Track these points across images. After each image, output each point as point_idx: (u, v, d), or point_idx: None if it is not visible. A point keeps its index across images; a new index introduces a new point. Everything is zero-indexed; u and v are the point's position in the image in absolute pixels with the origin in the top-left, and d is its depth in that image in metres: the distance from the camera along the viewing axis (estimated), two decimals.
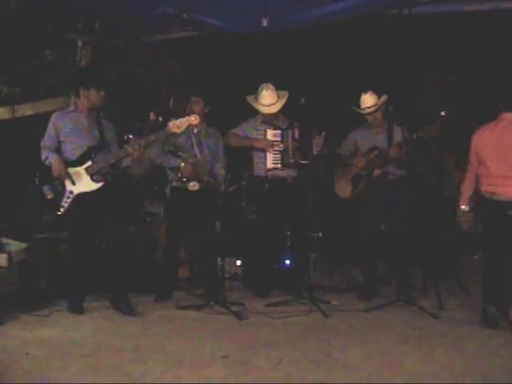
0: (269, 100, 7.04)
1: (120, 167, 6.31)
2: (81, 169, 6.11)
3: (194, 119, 6.13)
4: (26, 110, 7.60)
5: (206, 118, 6.91)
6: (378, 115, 6.89)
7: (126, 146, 6.16)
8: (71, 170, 6.10)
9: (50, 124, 6.22)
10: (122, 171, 6.41)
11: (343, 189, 7.08)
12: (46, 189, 6.13)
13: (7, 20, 6.01)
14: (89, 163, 6.10)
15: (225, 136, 7.19)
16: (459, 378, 4.43)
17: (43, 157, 6.13)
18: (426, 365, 4.70)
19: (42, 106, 7.73)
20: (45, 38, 7.22)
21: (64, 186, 6.10)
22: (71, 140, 6.17)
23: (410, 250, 6.69)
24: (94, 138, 6.20)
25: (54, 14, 6.99)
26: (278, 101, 7.07)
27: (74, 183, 6.09)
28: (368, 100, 6.92)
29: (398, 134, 6.61)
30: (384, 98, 6.86)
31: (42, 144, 6.19)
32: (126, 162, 6.33)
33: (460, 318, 6.04)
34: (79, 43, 7.77)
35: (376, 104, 6.85)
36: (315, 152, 6.81)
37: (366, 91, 6.94)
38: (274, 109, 7.06)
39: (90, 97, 6.20)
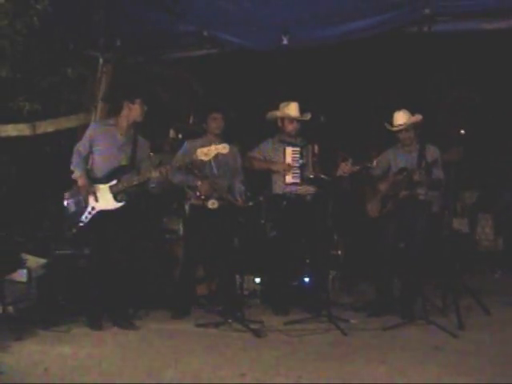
0: (297, 112, 7.10)
1: (144, 188, 6.31)
2: (105, 186, 6.16)
3: (222, 148, 6.14)
4: (47, 127, 7.65)
5: (223, 134, 6.91)
6: (410, 134, 6.84)
7: (151, 169, 6.17)
8: (96, 187, 6.15)
9: (87, 132, 6.34)
10: (144, 191, 6.40)
11: (373, 208, 7.05)
12: (69, 202, 6.18)
13: (29, 37, 6.06)
14: (114, 182, 6.14)
15: (243, 159, 7.20)
16: None
17: (73, 162, 6.23)
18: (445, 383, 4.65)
19: (62, 123, 7.78)
20: (66, 55, 7.27)
21: (87, 202, 6.14)
22: (103, 155, 6.24)
23: (427, 268, 6.66)
24: (126, 157, 6.24)
25: (76, 31, 7.05)
26: (302, 115, 7.12)
27: (97, 200, 6.13)
28: (401, 118, 6.88)
29: (432, 154, 6.60)
30: (416, 117, 6.83)
31: (76, 148, 6.31)
32: (151, 184, 6.34)
33: (480, 337, 5.96)
34: (100, 60, 7.83)
35: (406, 123, 6.81)
36: (339, 173, 6.78)
37: (399, 109, 6.90)
38: (304, 117, 7.09)
39: (133, 110, 6.24)
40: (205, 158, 6.12)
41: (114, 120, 6.36)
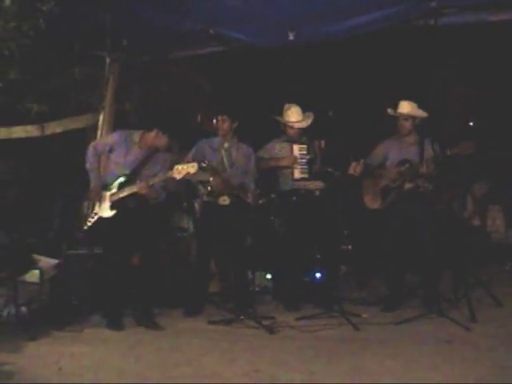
0: (298, 117, 7.10)
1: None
2: (107, 194, 6.23)
3: (191, 168, 6.12)
4: (55, 128, 7.68)
5: (235, 133, 6.92)
6: (408, 124, 6.86)
7: (137, 183, 6.20)
8: (103, 194, 6.22)
9: (110, 137, 6.44)
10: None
11: (372, 200, 7.04)
12: (85, 204, 6.26)
13: (36, 38, 6.07)
14: (114, 190, 6.19)
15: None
16: None
17: (88, 160, 6.31)
18: (459, 377, 4.63)
19: (71, 124, 7.82)
20: (73, 56, 7.29)
21: (94, 206, 6.24)
22: (117, 164, 6.26)
23: (439, 260, 6.66)
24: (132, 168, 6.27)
25: (82, 31, 7.07)
26: (304, 119, 7.12)
27: (99, 205, 6.23)
28: (406, 106, 6.89)
29: (428, 148, 6.58)
30: (422, 112, 6.83)
31: (94, 143, 6.45)
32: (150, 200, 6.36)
33: (492, 330, 5.95)
34: (107, 60, 7.84)
35: (411, 115, 6.82)
36: (350, 172, 6.79)
37: (407, 99, 6.90)
38: (303, 124, 7.11)
39: (161, 139, 6.28)
40: (177, 176, 6.09)
41: (139, 136, 6.33)
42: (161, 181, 6.23)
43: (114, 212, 6.19)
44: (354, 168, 6.76)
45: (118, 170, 6.24)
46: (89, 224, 6.25)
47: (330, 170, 6.93)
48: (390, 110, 6.93)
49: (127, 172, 6.21)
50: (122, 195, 6.17)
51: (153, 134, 6.27)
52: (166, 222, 7.46)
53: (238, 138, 6.94)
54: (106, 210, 6.22)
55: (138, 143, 6.30)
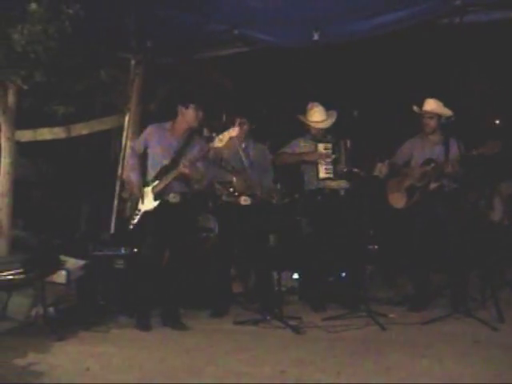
0: (321, 116, 7.10)
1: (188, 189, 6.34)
2: (149, 188, 6.25)
3: (232, 131, 6.16)
4: (81, 130, 7.74)
5: (253, 134, 6.94)
6: (432, 122, 6.83)
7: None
8: (145, 190, 6.26)
9: (143, 134, 6.45)
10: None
11: (397, 199, 7.03)
12: (128, 205, 6.37)
13: (61, 41, 6.11)
14: (156, 183, 6.20)
15: (274, 156, 7.22)
16: None
17: (129, 163, 6.47)
18: (487, 378, 4.60)
19: (96, 125, 7.87)
20: (99, 58, 7.33)
21: (137, 205, 6.29)
22: (155, 159, 6.29)
23: (465, 260, 6.63)
24: (169, 158, 6.27)
25: (107, 33, 7.11)
26: (327, 118, 7.11)
27: (142, 202, 6.23)
28: (431, 104, 6.86)
29: (453, 148, 6.55)
30: (446, 110, 6.80)
31: (132, 144, 6.62)
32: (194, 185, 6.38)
33: None
34: (132, 62, 7.88)
35: (436, 112, 6.79)
36: (376, 173, 6.79)
37: (432, 97, 6.87)
38: (327, 124, 7.10)
39: (187, 115, 6.28)
40: (219, 145, 6.13)
41: (170, 124, 6.38)
42: (202, 155, 6.23)
43: (157, 202, 6.20)
44: (380, 169, 6.76)
45: (157, 160, 6.25)
46: (134, 222, 6.28)
47: (355, 170, 6.91)
48: (415, 108, 6.90)
49: (166, 162, 6.22)
50: (165, 183, 6.17)
51: (179, 114, 6.30)
52: (193, 221, 7.48)
53: (254, 138, 6.96)
54: (149, 203, 6.23)
55: (170, 130, 6.32)
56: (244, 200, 6.71)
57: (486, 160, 6.58)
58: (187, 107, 6.25)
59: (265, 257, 6.79)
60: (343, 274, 7.35)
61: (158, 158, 6.25)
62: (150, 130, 6.39)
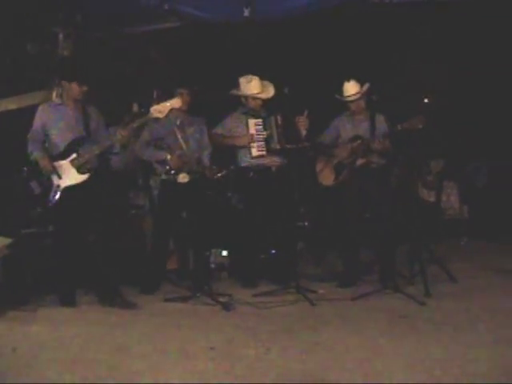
0: (260, 88, 7.08)
1: (107, 157, 6.27)
2: (66, 162, 6.09)
3: (175, 102, 6.12)
4: (8, 105, 7.54)
5: (189, 108, 6.89)
6: (362, 103, 6.92)
7: (110, 135, 6.14)
8: (57, 164, 6.08)
9: (37, 117, 6.22)
10: (107, 161, 6.34)
11: (326, 177, 7.10)
12: (33, 184, 6.11)
13: None
14: (74, 156, 6.08)
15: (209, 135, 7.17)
16: (445, 364, 4.42)
17: (29, 149, 6.13)
18: (415, 352, 4.68)
19: (24, 100, 7.67)
20: (25, 31, 7.17)
21: (51, 181, 6.09)
22: (57, 133, 6.15)
23: (394, 236, 6.74)
24: (80, 130, 6.18)
25: (35, 5, 6.95)
26: (266, 89, 7.10)
27: (60, 177, 6.07)
28: (351, 88, 6.93)
29: (381, 123, 6.65)
30: (366, 86, 6.88)
31: (29, 136, 6.19)
32: (114, 151, 6.33)
33: (447, 305, 6.03)
34: (60, 36, 7.71)
35: (359, 92, 6.87)
36: (304, 133, 6.80)
37: (348, 80, 6.94)
38: (268, 94, 7.10)
39: (71, 90, 6.18)
40: (160, 115, 6.09)
41: (59, 99, 6.39)
42: (137, 126, 6.20)
43: (85, 176, 6.10)
44: (302, 123, 6.78)
45: (62, 138, 6.15)
46: (53, 200, 6.10)
47: (289, 146, 6.91)
48: (337, 96, 6.98)
49: (76, 136, 6.14)
50: (88, 156, 6.07)
51: (64, 88, 6.28)
52: (121, 199, 7.41)
53: (189, 113, 6.91)
54: (73, 177, 6.09)
55: (63, 104, 6.26)
56: (182, 177, 6.65)
57: (412, 136, 6.69)
58: (70, 83, 6.17)
59: (198, 234, 6.76)
60: (273, 251, 7.35)
61: (61, 132, 6.15)
62: (40, 109, 6.27)
